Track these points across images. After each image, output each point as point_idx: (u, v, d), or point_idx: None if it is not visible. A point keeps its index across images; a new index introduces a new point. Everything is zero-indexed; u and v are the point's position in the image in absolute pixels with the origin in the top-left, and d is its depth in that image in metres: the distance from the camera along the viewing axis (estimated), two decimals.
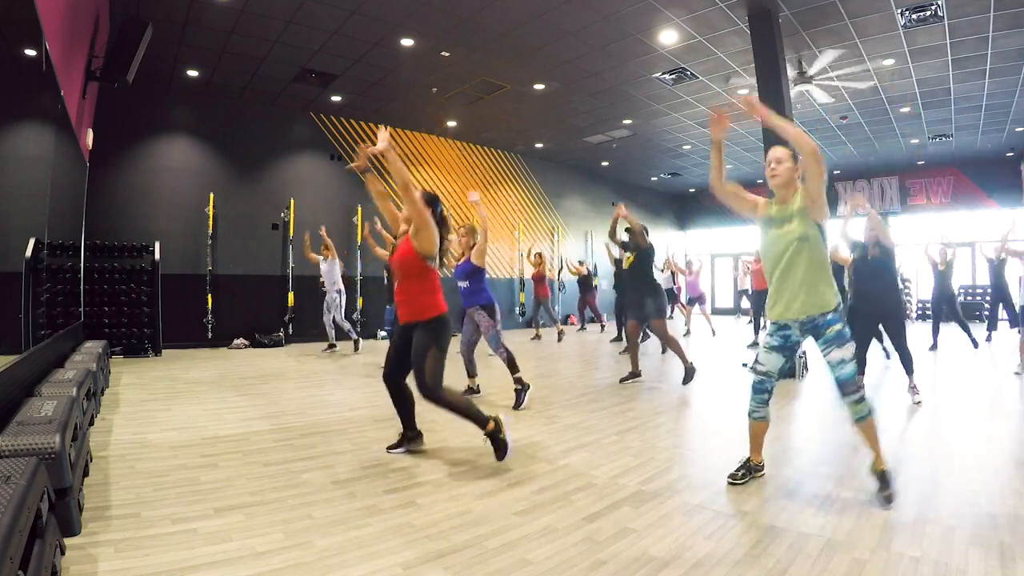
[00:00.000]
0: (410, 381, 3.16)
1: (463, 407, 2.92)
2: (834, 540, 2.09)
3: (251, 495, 2.56)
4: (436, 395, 2.88)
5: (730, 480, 2.74)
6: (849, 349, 2.50)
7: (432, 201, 3.07)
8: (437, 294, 3.03)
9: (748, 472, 2.79)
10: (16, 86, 3.17)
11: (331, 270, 7.92)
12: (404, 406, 3.24)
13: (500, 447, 2.87)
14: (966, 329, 7.93)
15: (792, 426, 4.00)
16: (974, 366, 6.69)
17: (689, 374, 5.20)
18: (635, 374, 5.63)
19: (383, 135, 2.89)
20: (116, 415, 4.10)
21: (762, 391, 2.73)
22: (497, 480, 2.79)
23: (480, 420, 2.90)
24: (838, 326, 2.51)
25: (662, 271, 11.04)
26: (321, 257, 8.02)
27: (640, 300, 5.46)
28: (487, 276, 4.69)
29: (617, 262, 8.59)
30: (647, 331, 8.10)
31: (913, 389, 4.54)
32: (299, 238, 9.60)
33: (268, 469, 2.95)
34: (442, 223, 3.08)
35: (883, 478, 2.45)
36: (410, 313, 3.01)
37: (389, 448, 3.27)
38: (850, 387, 2.49)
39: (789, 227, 2.54)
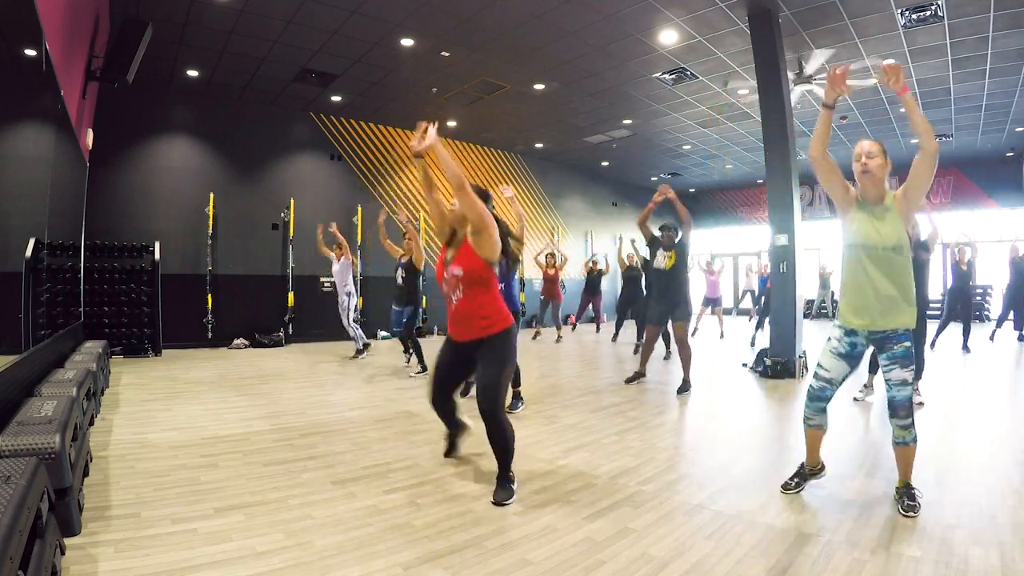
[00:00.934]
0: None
1: (509, 442, 2.62)
2: (834, 540, 2.09)
3: (251, 495, 2.56)
4: (498, 418, 2.58)
5: (783, 488, 2.64)
6: (911, 371, 2.37)
7: (484, 197, 2.76)
8: (502, 303, 2.71)
9: (802, 480, 2.65)
10: (16, 86, 3.17)
11: (342, 271, 7.56)
12: (451, 416, 3.05)
13: (506, 492, 2.56)
14: (967, 333, 7.92)
15: (792, 426, 4.00)
16: (974, 366, 6.70)
17: (685, 386, 5.14)
18: (640, 374, 5.62)
19: (431, 132, 2.52)
20: (116, 415, 4.10)
21: (821, 399, 2.55)
22: None
23: (509, 464, 2.63)
24: (907, 344, 2.37)
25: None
26: (333, 257, 7.63)
27: (671, 304, 5.25)
28: (517, 276, 4.37)
29: (647, 261, 7.48)
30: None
31: (915, 391, 4.55)
32: (299, 238, 9.60)
33: (268, 469, 2.95)
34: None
35: (908, 492, 2.38)
36: (474, 329, 2.65)
37: (446, 454, 3.18)
38: (903, 411, 2.36)
39: (883, 232, 2.36)
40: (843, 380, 2.54)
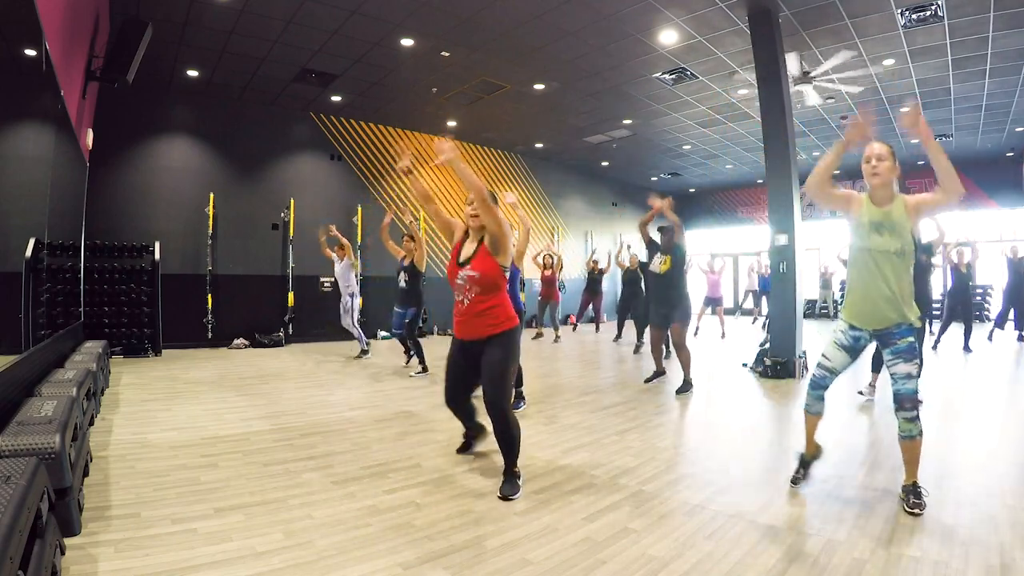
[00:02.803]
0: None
1: (516, 439, 2.68)
2: (834, 540, 2.09)
3: (251, 495, 2.56)
4: (506, 415, 2.65)
5: (792, 482, 2.70)
6: (916, 365, 2.42)
7: (492, 200, 2.83)
8: (510, 305, 2.81)
9: (806, 469, 2.73)
10: (16, 86, 3.17)
11: (344, 271, 7.62)
12: (471, 417, 3.12)
13: (511, 487, 2.60)
14: (968, 333, 7.93)
15: (792, 426, 4.00)
16: (975, 366, 6.70)
17: (685, 386, 5.10)
18: (660, 372, 5.56)
19: (447, 145, 2.56)
20: (116, 415, 4.10)
21: (821, 387, 2.65)
22: (497, 480, 2.79)
23: (515, 459, 2.70)
24: (910, 339, 2.43)
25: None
26: (335, 257, 7.68)
27: (669, 307, 5.21)
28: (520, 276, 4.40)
29: (642, 265, 7.61)
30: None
31: None
32: (299, 238, 9.60)
33: (268, 469, 2.95)
34: None
35: (915, 490, 2.39)
36: (483, 328, 2.71)
37: (459, 450, 3.24)
38: (908, 403, 2.40)
39: (888, 237, 2.43)
40: (843, 370, 2.63)
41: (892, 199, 2.48)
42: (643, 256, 6.30)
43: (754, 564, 1.92)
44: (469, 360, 2.80)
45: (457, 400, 2.98)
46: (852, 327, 2.57)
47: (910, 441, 2.43)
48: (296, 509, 2.41)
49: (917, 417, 2.41)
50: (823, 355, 2.66)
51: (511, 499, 2.54)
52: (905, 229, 2.42)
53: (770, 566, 1.90)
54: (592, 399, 4.87)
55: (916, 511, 2.31)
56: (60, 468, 1.95)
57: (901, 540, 2.08)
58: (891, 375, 2.47)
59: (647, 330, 8.30)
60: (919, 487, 2.40)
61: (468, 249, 2.79)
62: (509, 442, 2.67)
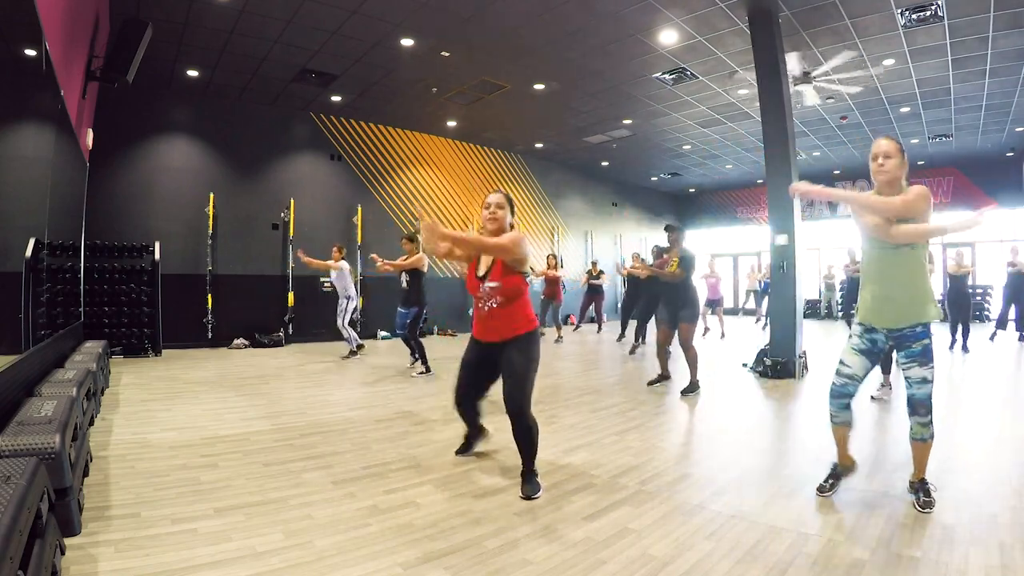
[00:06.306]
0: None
1: (535, 439, 2.71)
2: (834, 540, 2.09)
3: (251, 495, 2.56)
4: (525, 417, 2.67)
5: (818, 490, 2.59)
6: (932, 369, 2.37)
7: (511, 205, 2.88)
8: (530, 307, 2.85)
9: (836, 480, 2.61)
10: (16, 86, 3.17)
11: (339, 276, 7.70)
12: (476, 420, 3.14)
13: (532, 487, 2.62)
14: (966, 334, 7.92)
15: (792, 426, 4.00)
16: (975, 366, 6.69)
17: (692, 387, 5.06)
18: (665, 376, 5.46)
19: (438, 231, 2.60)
20: (116, 415, 4.10)
21: (844, 395, 2.55)
22: (497, 480, 2.79)
23: (534, 459, 2.72)
24: (926, 342, 2.37)
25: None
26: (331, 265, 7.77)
27: (676, 306, 5.20)
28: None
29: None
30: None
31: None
32: (299, 238, 9.59)
33: (268, 469, 2.95)
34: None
35: (924, 487, 2.40)
36: (504, 330, 2.74)
37: (458, 452, 3.22)
38: (922, 409, 2.37)
39: (894, 230, 2.37)
40: (865, 376, 2.54)
41: (899, 195, 2.41)
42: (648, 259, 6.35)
43: (754, 564, 1.92)
44: (485, 362, 2.83)
45: (467, 403, 3.01)
46: (867, 329, 2.51)
47: (921, 443, 2.42)
48: (296, 509, 2.41)
49: (931, 422, 2.39)
50: (841, 362, 2.57)
51: (534, 498, 2.55)
52: (910, 220, 2.34)
53: (770, 566, 1.90)
54: (592, 399, 4.87)
55: (927, 509, 2.32)
56: (60, 468, 1.95)
57: (901, 540, 2.08)
58: (905, 378, 2.43)
59: (645, 331, 8.32)
60: (928, 484, 2.41)
61: (485, 261, 2.79)
62: (528, 443, 2.68)
